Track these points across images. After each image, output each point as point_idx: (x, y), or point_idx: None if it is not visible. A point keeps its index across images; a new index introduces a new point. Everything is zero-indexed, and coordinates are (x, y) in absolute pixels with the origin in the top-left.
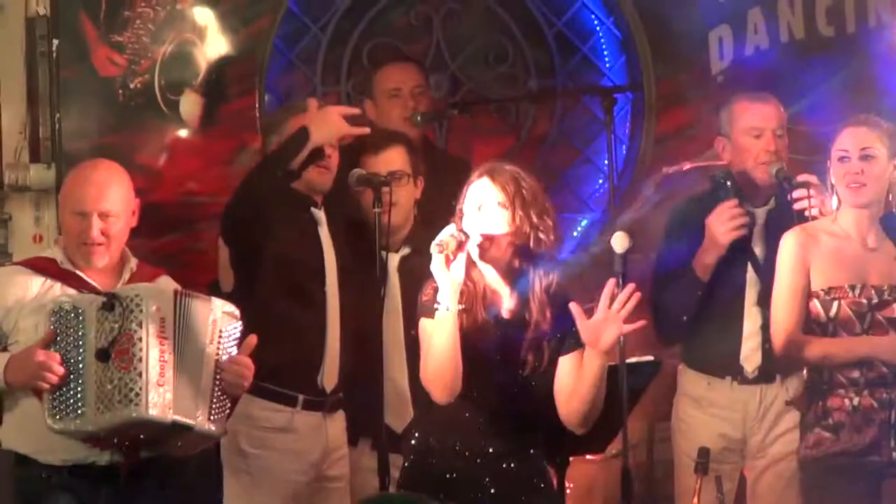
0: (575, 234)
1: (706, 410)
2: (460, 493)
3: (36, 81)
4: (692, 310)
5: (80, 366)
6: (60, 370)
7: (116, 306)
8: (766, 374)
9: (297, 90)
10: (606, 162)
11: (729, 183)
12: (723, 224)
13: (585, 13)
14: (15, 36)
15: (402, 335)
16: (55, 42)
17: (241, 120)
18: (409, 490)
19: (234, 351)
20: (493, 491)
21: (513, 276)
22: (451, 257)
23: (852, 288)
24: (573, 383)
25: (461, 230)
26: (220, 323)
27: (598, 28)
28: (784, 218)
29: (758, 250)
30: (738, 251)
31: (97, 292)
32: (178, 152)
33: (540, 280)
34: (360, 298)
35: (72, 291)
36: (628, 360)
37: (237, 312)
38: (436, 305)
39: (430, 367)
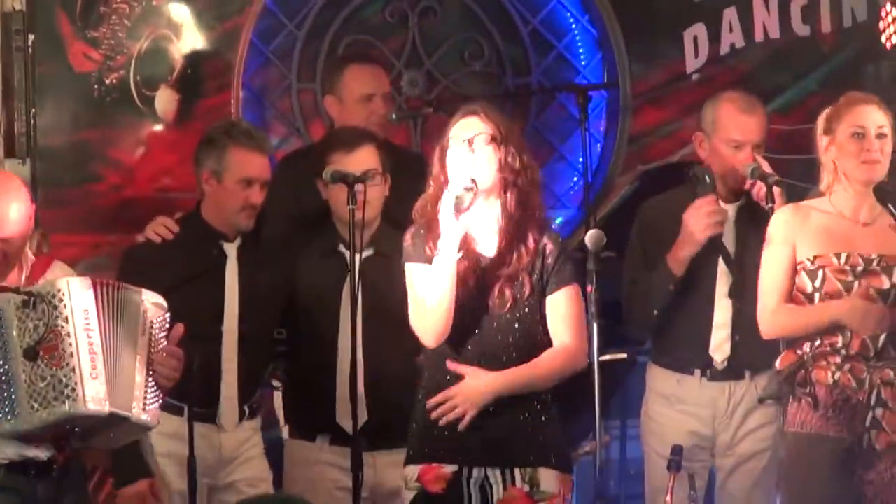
0: None
1: (675, 407)
2: (453, 440)
3: (11, 76)
4: (664, 304)
5: (7, 366)
6: None
7: (38, 303)
8: (736, 369)
9: (273, 86)
10: (581, 159)
11: (708, 179)
12: (701, 220)
13: (561, 11)
14: None
15: (360, 334)
16: (31, 37)
17: (216, 116)
18: (414, 446)
19: (164, 342)
20: (485, 438)
21: (499, 215)
22: (467, 209)
23: (837, 256)
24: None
25: (473, 181)
26: (151, 314)
27: (573, 26)
28: (754, 214)
29: (729, 245)
30: (709, 246)
31: (6, 290)
32: (153, 148)
33: (524, 217)
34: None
35: None
36: (601, 358)
37: (164, 303)
38: (436, 252)
39: (427, 311)
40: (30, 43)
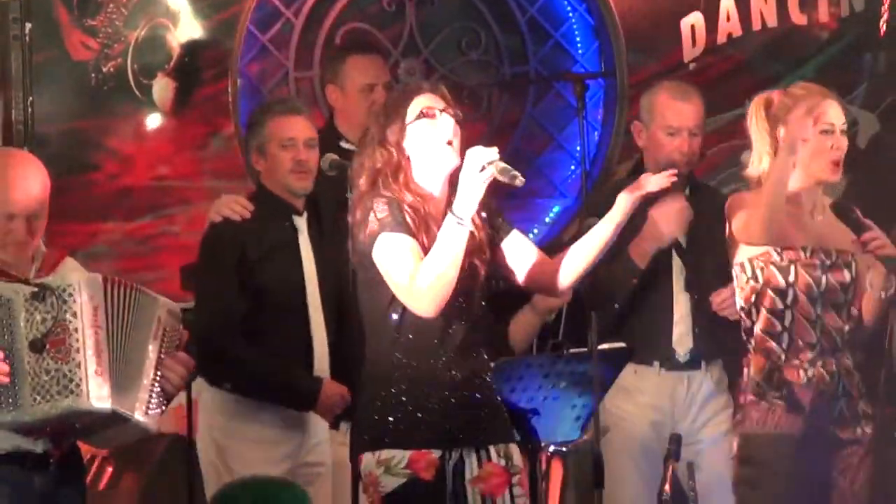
0: (547, 219)
1: (635, 399)
2: (436, 424)
3: (8, 65)
4: (624, 297)
5: (12, 357)
6: (4, 367)
7: (48, 297)
8: (695, 359)
9: (270, 75)
10: (579, 148)
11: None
12: (671, 219)
13: None
14: None
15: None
16: (28, 25)
17: (213, 105)
18: (380, 428)
19: (174, 351)
20: (461, 419)
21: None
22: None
23: (804, 249)
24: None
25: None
26: (165, 321)
27: (570, 14)
28: (700, 206)
29: (679, 238)
30: None
31: (18, 281)
32: (150, 136)
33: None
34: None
35: None
36: (599, 347)
37: (180, 312)
38: (458, 221)
39: (436, 277)
40: (27, 31)
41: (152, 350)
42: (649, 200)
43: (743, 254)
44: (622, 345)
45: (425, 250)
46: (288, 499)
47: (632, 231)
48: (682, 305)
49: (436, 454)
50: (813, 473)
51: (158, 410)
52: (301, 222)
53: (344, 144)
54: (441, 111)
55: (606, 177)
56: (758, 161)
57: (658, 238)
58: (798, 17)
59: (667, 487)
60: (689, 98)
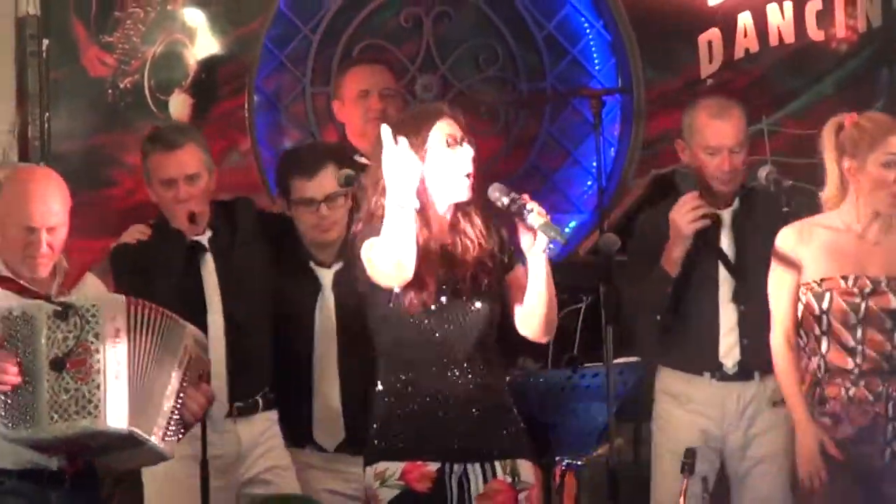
0: None
1: (685, 407)
2: (435, 436)
3: (25, 81)
4: (664, 307)
5: (32, 373)
6: (15, 372)
7: (71, 316)
8: (745, 370)
9: (287, 91)
10: (595, 164)
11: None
12: (685, 215)
13: (575, 16)
14: (5, 35)
15: (335, 350)
16: (45, 42)
17: (230, 120)
18: (383, 441)
19: (196, 380)
20: (464, 433)
21: (452, 211)
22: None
23: (844, 279)
24: (528, 289)
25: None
26: (191, 349)
27: (587, 31)
28: (751, 217)
29: (727, 250)
30: (708, 251)
31: (40, 298)
32: None
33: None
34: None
35: (13, 297)
36: (614, 362)
37: (206, 341)
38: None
39: (394, 249)
40: (44, 48)
41: (176, 377)
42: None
43: None
44: (636, 359)
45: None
46: None
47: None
48: (728, 317)
49: (432, 467)
50: (869, 489)
51: (176, 438)
52: (202, 239)
53: (358, 158)
54: (462, 140)
55: (622, 192)
56: (828, 188)
57: (680, 238)
58: (815, 33)
59: (681, 501)
60: (727, 116)
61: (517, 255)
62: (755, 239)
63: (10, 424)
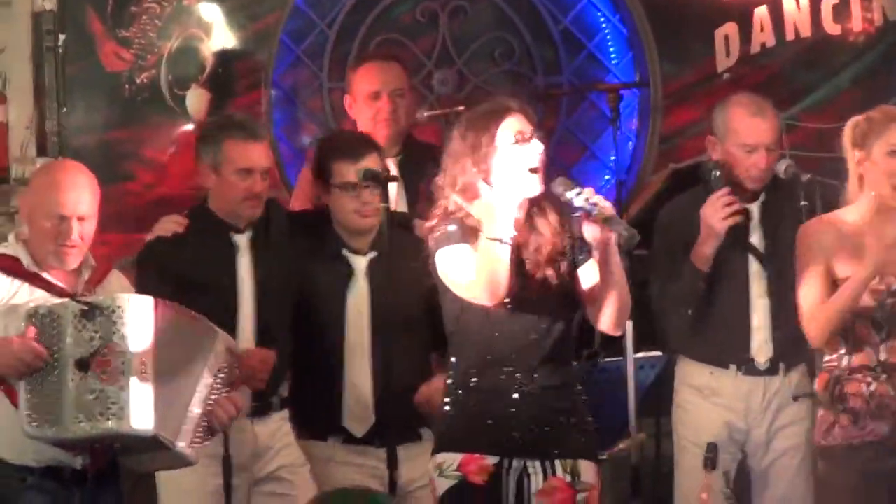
0: None
1: (709, 399)
2: (496, 431)
3: (42, 76)
4: (695, 302)
5: (57, 372)
6: (39, 362)
7: (97, 316)
8: (774, 365)
9: (304, 86)
10: (613, 158)
11: (718, 173)
12: (717, 212)
13: (592, 10)
14: (22, 30)
15: (367, 340)
16: (62, 37)
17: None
18: (447, 433)
19: (227, 389)
20: (527, 429)
21: (526, 208)
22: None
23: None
24: (601, 282)
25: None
26: (222, 356)
27: (604, 25)
28: (779, 209)
29: (757, 243)
30: (738, 245)
31: (66, 295)
32: (184, 147)
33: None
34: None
35: (41, 294)
36: (636, 356)
37: (238, 350)
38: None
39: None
40: (61, 43)
41: (205, 384)
42: (699, 202)
43: None
44: (658, 353)
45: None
46: None
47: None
48: (760, 313)
49: (490, 460)
50: (887, 486)
51: (201, 445)
52: (242, 239)
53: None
54: (531, 136)
55: (640, 186)
56: (850, 183)
57: (712, 235)
58: (832, 27)
59: (704, 496)
60: (764, 113)
61: (585, 250)
62: (784, 231)
63: (34, 423)
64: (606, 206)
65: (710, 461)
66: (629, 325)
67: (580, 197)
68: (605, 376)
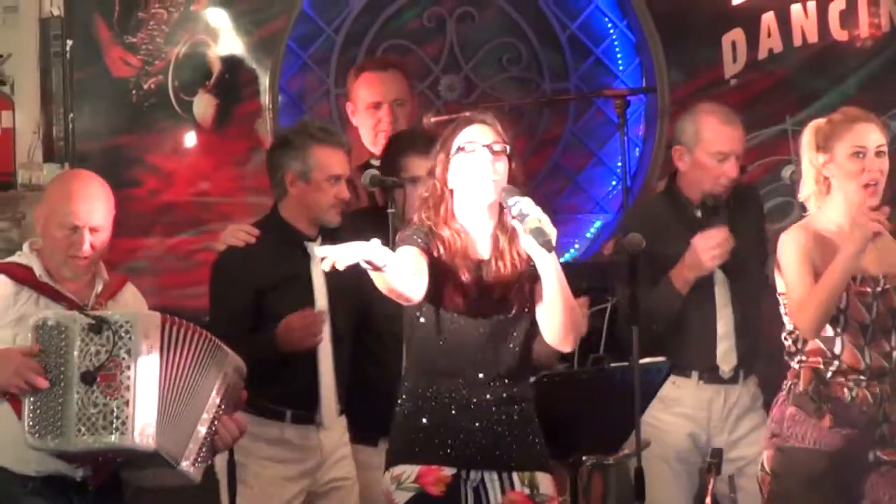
0: (588, 235)
1: (672, 410)
2: (453, 443)
3: (49, 81)
4: (668, 321)
5: (63, 384)
6: (40, 380)
7: (104, 330)
8: (736, 373)
9: (311, 91)
10: (620, 164)
11: (720, 208)
12: (711, 250)
13: (599, 16)
14: (29, 36)
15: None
16: (69, 42)
17: (254, 121)
18: (402, 445)
19: (231, 410)
20: (484, 442)
21: (496, 222)
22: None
23: (853, 279)
24: (543, 294)
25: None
26: (230, 378)
27: (611, 31)
28: (741, 217)
29: None
30: None
31: (76, 307)
32: (191, 153)
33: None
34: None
35: (52, 305)
36: (641, 361)
37: (245, 372)
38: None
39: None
40: (68, 48)
41: (212, 404)
42: (663, 213)
43: None
44: (663, 359)
45: (447, 283)
46: None
47: (673, 256)
48: (725, 321)
49: (448, 471)
50: (849, 490)
51: (204, 465)
52: (315, 248)
53: (374, 162)
54: (483, 146)
55: (647, 192)
56: (805, 186)
57: (699, 267)
58: (839, 33)
59: (708, 501)
60: (734, 123)
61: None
62: (746, 239)
63: (37, 434)
64: (541, 217)
65: (715, 466)
66: (634, 330)
67: (516, 206)
68: (610, 382)
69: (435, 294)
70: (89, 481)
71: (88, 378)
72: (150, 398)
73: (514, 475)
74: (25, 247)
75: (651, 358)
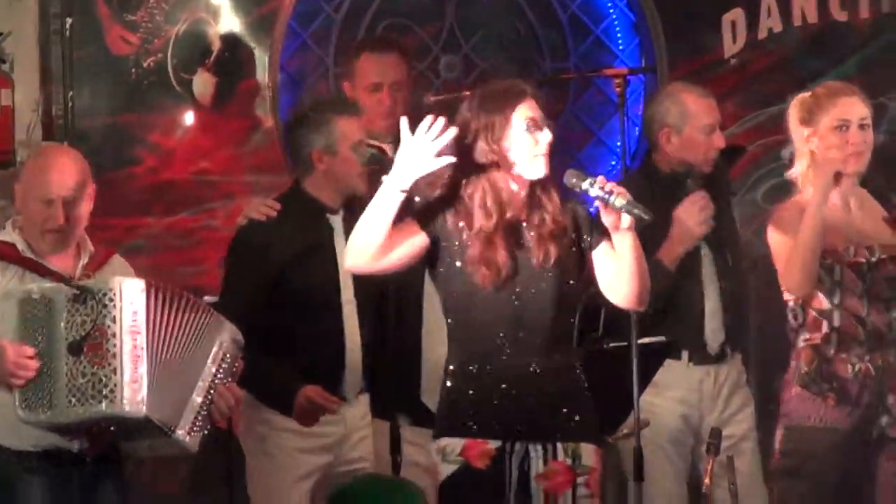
0: None
1: (664, 394)
2: (498, 415)
3: (49, 60)
4: (661, 301)
5: (51, 357)
6: (35, 365)
7: (88, 299)
8: (723, 352)
9: (310, 70)
10: (619, 143)
11: (691, 181)
12: (694, 216)
13: None
14: (28, 14)
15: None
16: (68, 21)
17: (253, 99)
18: (449, 418)
19: (229, 379)
20: (529, 413)
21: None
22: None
23: (846, 250)
24: (615, 266)
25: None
26: (226, 347)
27: (611, 10)
28: (720, 191)
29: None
30: None
31: (62, 280)
32: (190, 131)
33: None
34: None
35: (37, 280)
36: (640, 341)
37: (242, 341)
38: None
39: (367, 231)
40: (67, 26)
41: (208, 372)
42: (672, 201)
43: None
44: (662, 339)
45: (486, 254)
46: (402, 498)
47: (662, 236)
48: (713, 297)
49: (493, 444)
50: (857, 467)
51: (201, 434)
52: (336, 221)
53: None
54: (542, 123)
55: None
56: (798, 163)
57: (688, 237)
58: (839, 13)
59: (707, 481)
60: (709, 94)
61: (601, 234)
62: (722, 209)
63: (28, 408)
64: (622, 192)
65: (714, 447)
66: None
67: (595, 187)
68: (609, 362)
69: (473, 266)
70: (86, 453)
71: (75, 348)
72: (139, 365)
73: (559, 446)
74: (8, 224)
75: (650, 338)
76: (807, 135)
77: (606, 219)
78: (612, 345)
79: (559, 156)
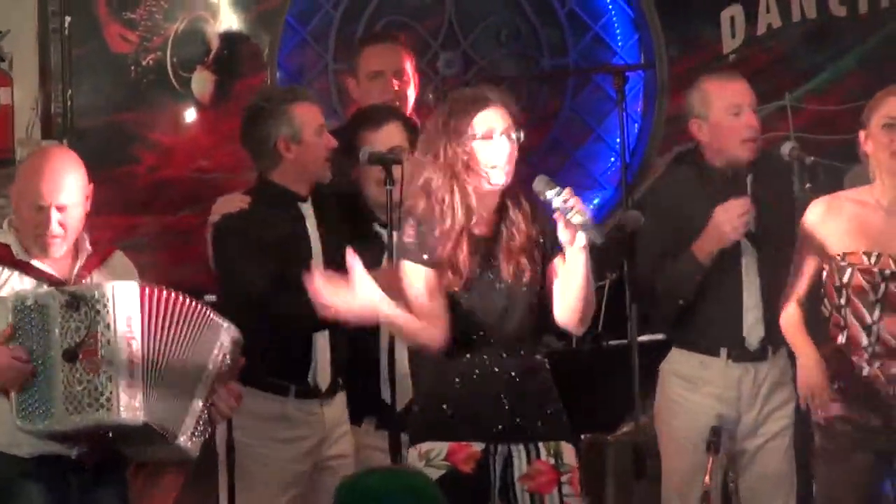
0: None
1: (700, 390)
2: (481, 418)
3: (48, 58)
4: (691, 294)
5: (46, 364)
6: (29, 368)
7: (81, 306)
8: (763, 348)
9: (309, 67)
10: (619, 140)
11: (741, 178)
12: (732, 220)
13: None
14: (27, 12)
15: None
16: (67, 19)
17: (252, 97)
18: (428, 422)
19: (227, 380)
20: (510, 415)
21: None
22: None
23: (867, 255)
24: (562, 281)
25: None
26: (226, 348)
27: (610, 7)
28: (769, 188)
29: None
30: None
31: (56, 282)
32: (189, 129)
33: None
34: None
35: (29, 281)
36: (639, 339)
37: (242, 341)
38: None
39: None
40: (66, 24)
41: (207, 376)
42: (686, 184)
43: None
44: (661, 336)
45: (458, 261)
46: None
47: (699, 230)
48: (753, 292)
49: (477, 447)
50: (879, 466)
51: (202, 438)
52: (307, 208)
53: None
54: (501, 133)
55: (646, 169)
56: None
57: (722, 239)
58: (837, 9)
59: (707, 479)
60: (737, 77)
61: (557, 246)
62: (774, 208)
63: (25, 417)
64: (582, 210)
65: (714, 445)
66: (633, 308)
67: (558, 198)
68: (608, 359)
69: (440, 269)
70: (85, 459)
71: (70, 356)
72: (135, 371)
73: (541, 445)
74: (5, 224)
75: (649, 336)
76: (864, 136)
77: (563, 233)
78: (611, 343)
79: (557, 153)
